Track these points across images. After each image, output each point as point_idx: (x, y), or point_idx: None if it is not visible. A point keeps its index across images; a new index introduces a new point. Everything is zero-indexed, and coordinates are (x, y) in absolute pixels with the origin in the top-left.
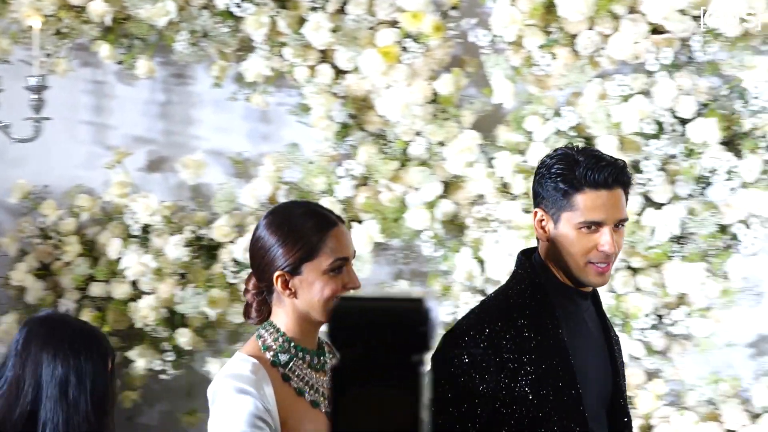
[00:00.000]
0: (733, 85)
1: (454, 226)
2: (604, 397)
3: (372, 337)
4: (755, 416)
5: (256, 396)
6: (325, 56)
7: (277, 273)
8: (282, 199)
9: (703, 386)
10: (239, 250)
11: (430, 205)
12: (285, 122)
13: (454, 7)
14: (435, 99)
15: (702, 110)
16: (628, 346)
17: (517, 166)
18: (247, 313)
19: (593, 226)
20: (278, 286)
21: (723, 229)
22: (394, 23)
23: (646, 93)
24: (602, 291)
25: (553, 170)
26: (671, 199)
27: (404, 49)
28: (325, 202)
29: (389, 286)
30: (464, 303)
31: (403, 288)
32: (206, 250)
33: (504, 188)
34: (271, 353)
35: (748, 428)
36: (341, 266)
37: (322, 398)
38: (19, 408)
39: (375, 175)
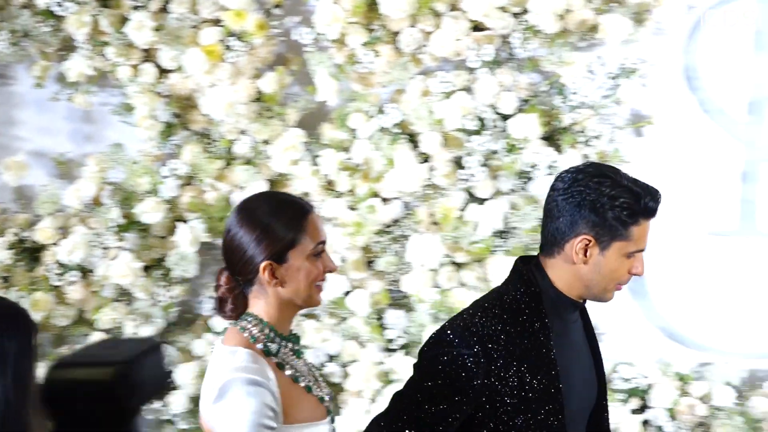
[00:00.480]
0: (552, 81)
1: None
2: (586, 408)
3: (75, 412)
4: None
5: (266, 386)
6: (149, 55)
7: (264, 264)
8: (106, 200)
9: None
10: (63, 252)
11: None
12: (108, 122)
13: (277, 6)
14: (259, 97)
15: (523, 106)
16: None
17: (342, 164)
18: (221, 308)
19: (638, 253)
20: (265, 276)
21: None
22: (217, 22)
23: (467, 89)
24: (427, 287)
25: (618, 202)
26: (494, 194)
27: (228, 47)
28: (150, 203)
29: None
30: None
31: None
32: (29, 253)
33: (329, 186)
34: (261, 344)
35: None
36: (323, 249)
37: (312, 383)
38: None
39: (200, 175)
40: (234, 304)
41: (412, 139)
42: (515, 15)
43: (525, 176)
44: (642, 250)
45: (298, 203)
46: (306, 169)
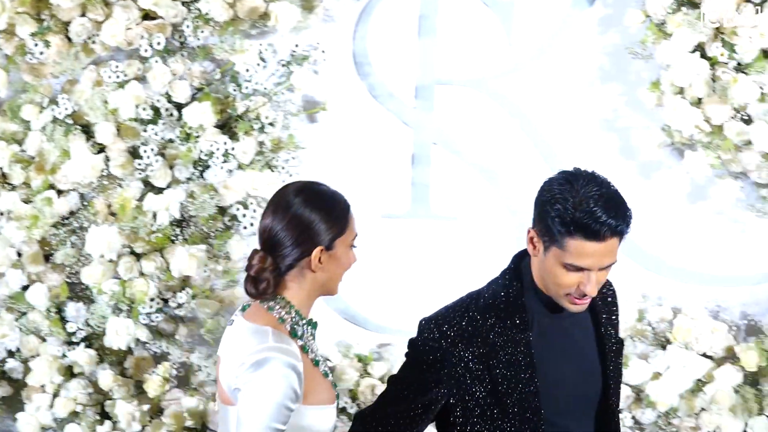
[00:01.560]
0: (225, 69)
1: None
2: (583, 408)
3: None
4: None
5: (297, 370)
6: None
7: (318, 248)
8: None
9: (210, 366)
10: None
11: None
12: None
13: None
14: None
15: (196, 94)
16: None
17: (15, 156)
18: (256, 287)
19: (579, 269)
20: (314, 261)
21: (222, 210)
22: None
23: (141, 79)
24: (107, 278)
25: (555, 207)
26: (170, 183)
27: None
28: None
29: None
30: None
31: None
32: None
33: (3, 178)
34: (288, 326)
35: None
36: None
37: (328, 368)
38: None
39: None
40: (270, 285)
41: (87, 129)
42: (186, 3)
43: (201, 164)
44: (582, 269)
45: (342, 196)
46: None
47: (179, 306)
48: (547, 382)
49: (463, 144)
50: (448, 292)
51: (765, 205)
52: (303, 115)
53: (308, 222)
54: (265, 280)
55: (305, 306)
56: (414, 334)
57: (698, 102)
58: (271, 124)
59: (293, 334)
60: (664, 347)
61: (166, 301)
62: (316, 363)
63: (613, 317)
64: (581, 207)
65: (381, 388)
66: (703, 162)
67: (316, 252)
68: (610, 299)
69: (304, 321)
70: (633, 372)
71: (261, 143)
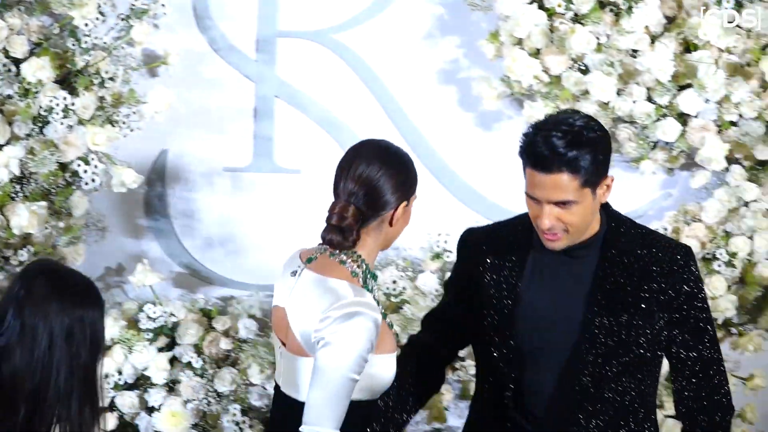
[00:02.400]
0: (64, 23)
1: None
2: (558, 344)
3: None
4: None
5: (378, 324)
6: None
7: (403, 202)
8: None
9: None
10: None
11: None
12: None
13: None
14: None
15: (35, 49)
16: None
17: None
18: (348, 239)
19: (535, 200)
20: (398, 213)
21: (63, 166)
22: None
23: None
24: None
25: (521, 137)
26: (10, 140)
27: None
28: None
29: None
30: None
31: None
32: None
33: None
34: (360, 279)
35: None
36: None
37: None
38: (35, 356)
39: None
40: (357, 236)
41: None
42: None
43: (41, 120)
44: (535, 199)
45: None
46: None
47: (20, 264)
48: (525, 313)
49: (306, 97)
50: (292, 245)
51: None
52: (144, 70)
53: (406, 173)
54: (352, 231)
55: (372, 260)
56: (258, 286)
57: (536, 53)
58: (111, 78)
59: (366, 287)
60: None
61: (6, 259)
62: (384, 315)
63: (653, 285)
64: (535, 137)
65: (225, 342)
66: (542, 112)
67: (402, 205)
68: (658, 268)
69: (372, 276)
70: None
71: (101, 98)
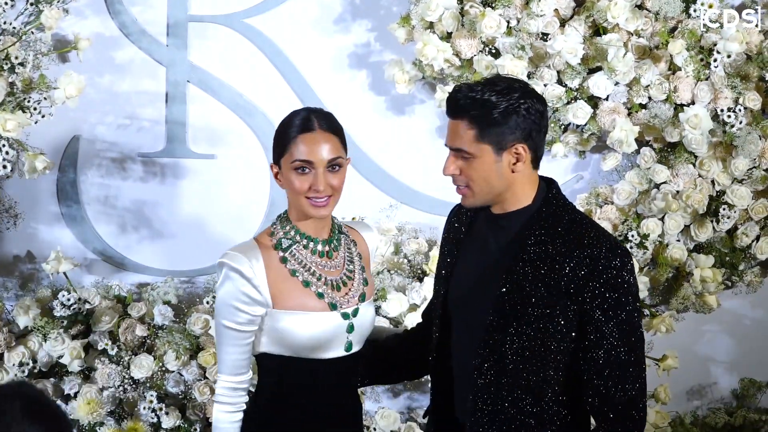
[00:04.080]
0: None
1: None
2: (477, 313)
3: None
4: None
5: (243, 274)
6: None
7: (271, 162)
8: None
9: None
10: None
11: None
12: None
13: None
14: None
15: None
16: None
17: None
18: None
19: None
20: (274, 175)
21: None
22: None
23: None
24: None
25: None
26: None
27: None
28: None
29: None
30: None
31: None
32: None
33: None
34: (276, 239)
35: None
36: (302, 167)
37: (316, 279)
38: None
39: None
40: None
41: None
42: None
43: None
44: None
45: (307, 120)
46: None
47: None
48: (456, 280)
49: (218, 81)
50: (207, 231)
51: None
52: (54, 55)
53: (276, 139)
54: None
55: (303, 223)
56: (173, 272)
57: (448, 36)
58: (21, 64)
59: (278, 245)
60: (421, 279)
61: None
62: (293, 273)
63: (569, 274)
64: (461, 86)
65: (141, 328)
66: None
67: (270, 165)
68: (579, 260)
69: (302, 236)
70: (391, 305)
71: (12, 84)
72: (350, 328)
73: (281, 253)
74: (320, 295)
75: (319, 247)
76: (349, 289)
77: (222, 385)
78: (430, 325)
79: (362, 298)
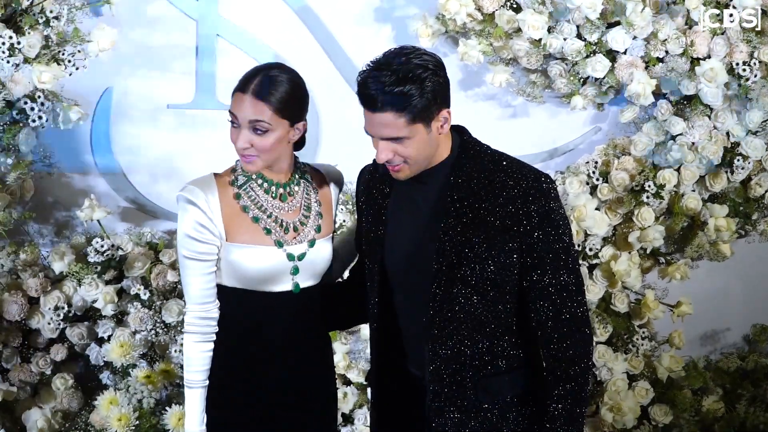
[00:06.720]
0: None
1: None
2: (420, 265)
3: None
4: None
5: (197, 205)
6: None
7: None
8: None
9: (2, 257)
10: None
11: None
12: None
13: None
14: None
15: None
16: None
17: None
18: None
19: (371, 135)
20: None
21: (10, 104)
22: None
23: None
24: None
25: (357, 75)
26: None
27: None
28: None
29: None
30: None
31: None
32: None
33: None
34: (233, 176)
35: None
36: (233, 121)
37: (266, 217)
38: None
39: None
40: None
41: None
42: None
43: None
44: (370, 134)
45: (247, 78)
46: None
47: None
48: (390, 239)
49: (247, 35)
50: None
51: (534, 90)
52: (88, 9)
53: None
54: None
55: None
56: None
57: None
58: (56, 17)
59: (233, 181)
60: None
61: None
62: (244, 209)
63: (502, 210)
64: (365, 77)
65: (172, 274)
66: (476, 49)
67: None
68: (506, 193)
69: (260, 176)
70: None
71: (47, 37)
72: (295, 270)
73: (235, 189)
74: (268, 231)
75: (273, 189)
76: (299, 234)
77: (190, 315)
78: (357, 287)
79: (312, 243)
